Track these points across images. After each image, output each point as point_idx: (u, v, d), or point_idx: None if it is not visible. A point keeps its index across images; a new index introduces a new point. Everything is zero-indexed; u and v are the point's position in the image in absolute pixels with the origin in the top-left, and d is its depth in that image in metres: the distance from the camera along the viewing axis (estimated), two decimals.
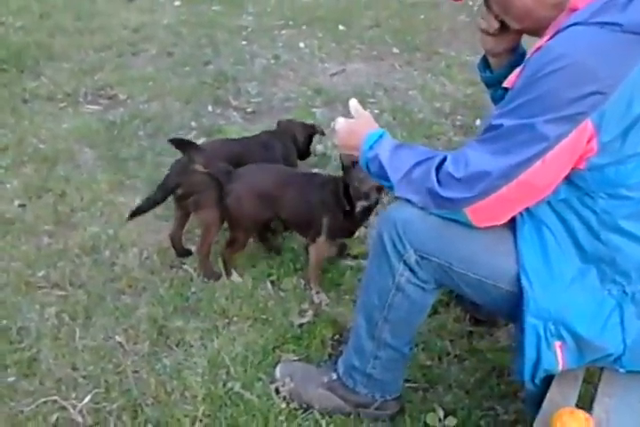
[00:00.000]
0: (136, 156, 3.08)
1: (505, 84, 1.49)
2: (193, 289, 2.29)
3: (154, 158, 3.08)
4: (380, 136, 1.59)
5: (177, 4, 5.16)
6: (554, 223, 1.44)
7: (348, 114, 3.88)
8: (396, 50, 4.67)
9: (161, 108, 3.58)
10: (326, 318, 2.17)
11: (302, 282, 2.36)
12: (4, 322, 2.10)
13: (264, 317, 2.17)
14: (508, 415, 1.89)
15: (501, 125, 1.34)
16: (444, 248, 1.50)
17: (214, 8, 5.12)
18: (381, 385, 1.77)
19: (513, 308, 1.46)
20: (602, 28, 1.25)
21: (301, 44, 4.65)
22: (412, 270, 1.54)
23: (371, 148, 1.57)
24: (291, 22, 5.00)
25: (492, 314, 2.12)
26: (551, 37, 1.33)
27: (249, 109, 3.70)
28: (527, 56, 1.42)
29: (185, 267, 2.40)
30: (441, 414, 1.82)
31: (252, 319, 2.16)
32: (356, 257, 2.53)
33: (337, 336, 2.12)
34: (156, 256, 2.43)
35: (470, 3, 5.63)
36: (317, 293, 2.28)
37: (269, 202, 2.26)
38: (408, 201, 1.51)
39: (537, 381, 1.46)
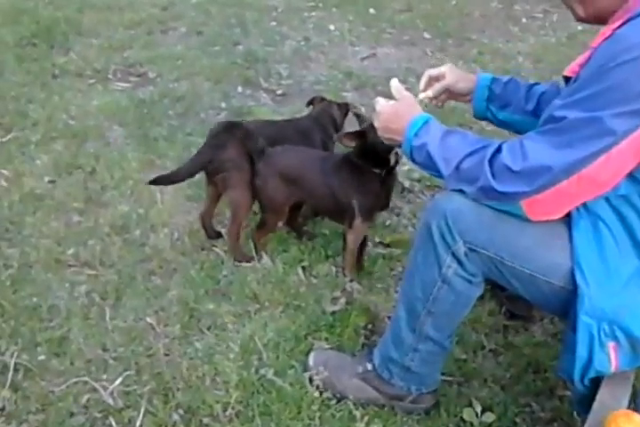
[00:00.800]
0: (166, 135, 3.04)
1: (566, 73, 1.43)
2: (224, 272, 2.25)
3: (184, 138, 3.04)
4: (426, 122, 1.52)
5: None
6: (611, 220, 1.38)
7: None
8: (427, 35, 4.59)
9: (190, 88, 3.53)
10: (359, 306, 2.13)
11: (334, 269, 2.32)
12: (35, 299, 2.08)
13: (296, 303, 2.13)
14: (544, 413, 1.85)
15: (565, 117, 1.28)
16: (496, 241, 1.44)
17: None
18: (418, 378, 1.73)
19: (564, 305, 1.41)
20: None
21: (331, 27, 4.58)
22: (459, 263, 1.49)
23: (416, 135, 1.51)
24: (320, 4, 4.92)
25: (540, 309, 2.06)
26: (622, 24, 1.27)
27: (279, 91, 3.64)
28: (593, 44, 1.36)
29: (216, 249, 2.36)
30: (478, 409, 1.78)
31: (284, 305, 2.13)
32: (388, 245, 2.48)
33: (370, 325, 2.08)
34: (186, 238, 2.39)
35: None
36: (351, 280, 2.23)
37: (295, 185, 2.21)
38: (459, 190, 1.46)
39: (586, 381, 1.41)
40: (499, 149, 1.37)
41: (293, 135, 2.47)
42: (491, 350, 2.04)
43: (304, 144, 2.43)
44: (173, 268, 2.26)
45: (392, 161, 2.09)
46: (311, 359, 1.86)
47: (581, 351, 1.37)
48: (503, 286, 1.53)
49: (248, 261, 2.29)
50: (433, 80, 1.83)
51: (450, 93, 1.86)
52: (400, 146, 1.60)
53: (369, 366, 1.79)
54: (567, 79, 1.43)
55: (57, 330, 1.97)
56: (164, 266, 2.26)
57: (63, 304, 2.06)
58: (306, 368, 1.87)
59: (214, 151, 2.20)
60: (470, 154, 1.41)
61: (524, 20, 4.96)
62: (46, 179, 2.70)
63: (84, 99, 3.36)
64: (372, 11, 4.87)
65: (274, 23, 4.51)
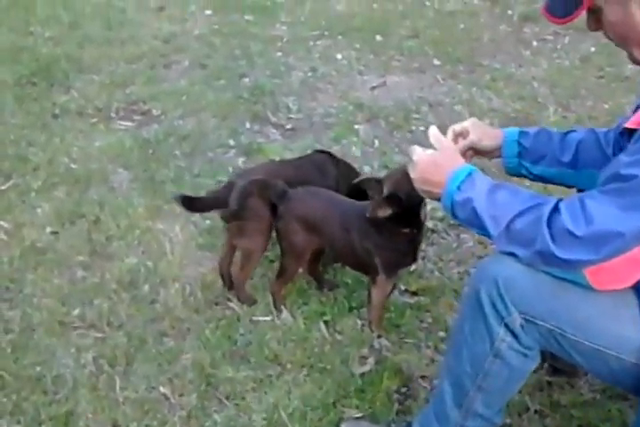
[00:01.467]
0: (173, 178, 2.89)
1: (629, 125, 1.28)
2: (241, 331, 2.09)
3: (192, 180, 2.89)
4: (469, 174, 1.38)
5: (208, 12, 4.98)
6: None
7: (392, 131, 3.67)
8: (437, 62, 4.46)
9: (197, 125, 3.39)
10: (389, 366, 1.96)
11: (359, 322, 2.15)
12: (38, 369, 1.91)
13: (320, 365, 1.96)
14: None
15: (635, 176, 1.14)
16: (556, 311, 1.29)
17: (247, 17, 4.94)
18: None
19: (637, 381, 1.25)
20: None
21: (338, 56, 4.46)
22: (514, 336, 1.34)
23: (459, 188, 1.37)
24: (326, 32, 4.81)
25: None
26: None
27: (288, 126, 3.50)
28: None
29: (231, 304, 2.20)
30: None
31: (308, 367, 1.96)
32: (415, 293, 2.32)
33: (403, 389, 1.91)
34: (199, 292, 2.23)
35: (510, 12, 5.44)
36: (379, 336, 2.07)
37: (315, 231, 2.07)
38: (510, 254, 1.30)
39: None
40: (556, 209, 1.22)
41: (311, 172, 2.35)
42: (536, 412, 1.86)
43: (321, 179, 2.31)
44: (187, 327, 2.10)
45: (422, 217, 1.94)
46: None
47: None
48: (564, 360, 1.36)
49: (252, 304, 2.20)
50: (458, 136, 1.67)
51: (475, 151, 1.69)
52: (439, 199, 1.45)
53: None
54: (629, 131, 1.28)
55: (63, 405, 1.80)
56: (176, 326, 2.10)
57: (69, 374, 1.90)
58: None
59: (236, 198, 2.07)
60: (523, 213, 1.26)
61: (534, 43, 4.83)
62: (48, 230, 2.55)
63: (86, 140, 3.22)
64: (378, 38, 4.76)
65: (279, 54, 4.39)
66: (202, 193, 2.79)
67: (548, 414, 1.86)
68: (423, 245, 2.58)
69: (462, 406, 1.46)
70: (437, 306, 2.23)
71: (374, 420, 1.78)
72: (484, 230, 1.34)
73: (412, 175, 1.50)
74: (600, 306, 1.27)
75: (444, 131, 3.21)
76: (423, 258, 2.53)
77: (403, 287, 2.33)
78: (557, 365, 1.99)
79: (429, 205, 2.65)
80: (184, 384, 1.88)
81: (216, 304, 2.22)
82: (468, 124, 1.67)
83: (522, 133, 1.69)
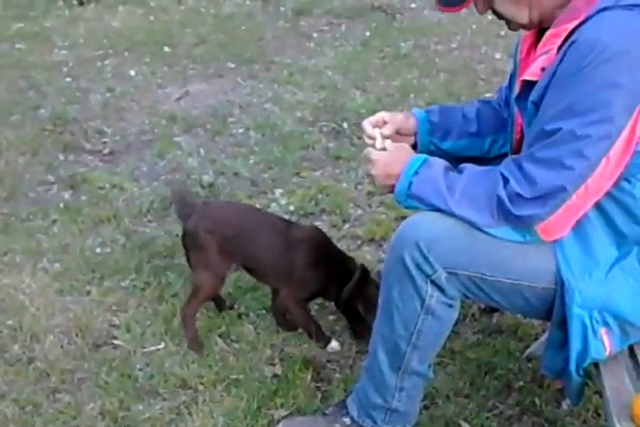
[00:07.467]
0: (1, 227, 2.63)
1: (528, 77, 1.39)
2: (138, 366, 1.98)
3: (22, 225, 2.66)
4: (425, 160, 1.47)
5: None
6: (591, 211, 1.39)
7: (210, 139, 3.65)
8: (231, 64, 4.51)
9: (5, 166, 3.11)
10: (296, 359, 1.99)
11: (251, 327, 2.15)
12: None
13: (232, 377, 1.94)
14: (512, 410, 1.87)
15: (559, 129, 1.28)
16: (474, 259, 1.42)
17: (18, 46, 4.58)
18: (404, 417, 1.65)
19: (547, 306, 1.44)
20: (632, 11, 1.24)
21: (132, 72, 4.33)
22: (440, 289, 1.45)
23: (416, 173, 1.44)
24: (111, 51, 4.63)
25: (521, 316, 2.08)
26: (580, 24, 1.28)
27: (106, 151, 3.35)
28: (550, 47, 1.34)
29: (116, 342, 2.08)
30: None
31: (220, 383, 1.92)
32: None
33: (317, 377, 1.96)
34: (78, 339, 2.07)
35: (282, 8, 5.66)
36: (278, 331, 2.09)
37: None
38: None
39: (581, 371, 1.44)
40: (503, 177, 1.35)
41: None
42: (438, 364, 2.01)
43: None
44: (78, 378, 1.94)
45: None
46: None
47: (576, 343, 1.39)
48: (480, 301, 1.51)
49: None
50: (375, 127, 1.67)
51: (399, 133, 1.71)
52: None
53: (347, 421, 1.68)
54: (528, 83, 1.39)
55: None
56: (66, 379, 1.93)
57: None
58: None
59: None
60: (478, 179, 1.39)
61: (314, 34, 5.08)
62: None
63: None
64: (166, 49, 4.69)
65: (69, 79, 4.15)
66: (39, 236, 2.61)
67: (448, 363, 2.02)
68: None
69: (399, 369, 1.55)
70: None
71: (303, 413, 1.81)
72: (439, 200, 1.41)
73: (374, 173, 1.52)
74: (509, 245, 1.42)
75: (263, 128, 3.22)
76: None
77: None
78: None
79: None
80: None
81: (99, 346, 2.08)
82: (380, 114, 1.70)
83: (428, 112, 1.78)
